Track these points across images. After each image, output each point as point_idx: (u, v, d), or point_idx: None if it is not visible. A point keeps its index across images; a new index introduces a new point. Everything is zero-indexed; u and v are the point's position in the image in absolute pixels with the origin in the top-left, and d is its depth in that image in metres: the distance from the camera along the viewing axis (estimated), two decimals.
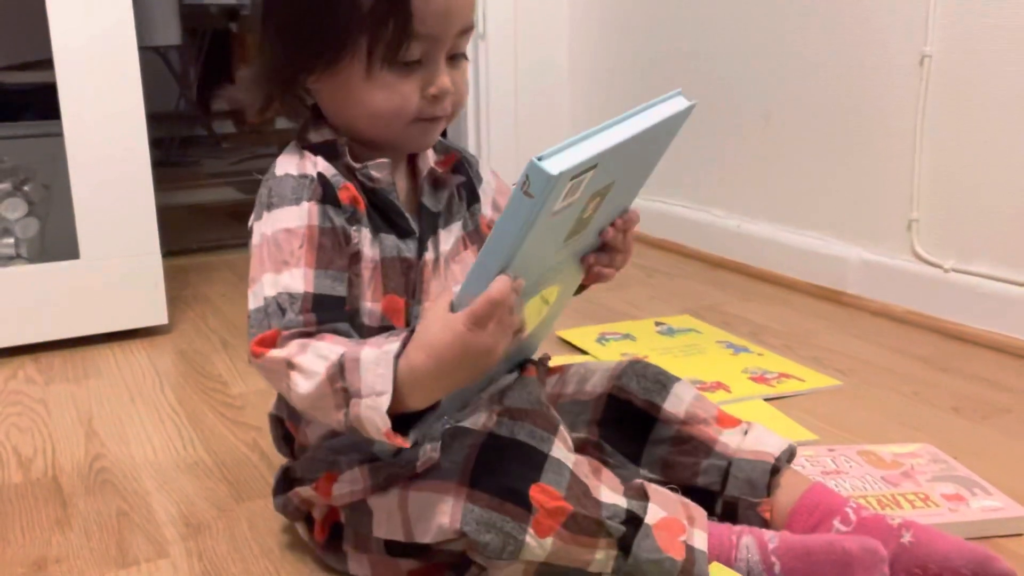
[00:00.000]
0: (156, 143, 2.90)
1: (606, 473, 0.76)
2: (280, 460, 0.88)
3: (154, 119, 1.71)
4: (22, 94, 1.85)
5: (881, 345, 1.40)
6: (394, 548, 0.74)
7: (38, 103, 1.76)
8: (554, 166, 0.58)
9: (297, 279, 0.72)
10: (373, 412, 0.65)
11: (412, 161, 0.84)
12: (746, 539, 0.74)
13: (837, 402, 1.19)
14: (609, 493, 0.72)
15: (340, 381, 0.67)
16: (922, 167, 1.48)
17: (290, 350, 0.70)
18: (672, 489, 0.78)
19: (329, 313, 0.72)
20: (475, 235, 0.87)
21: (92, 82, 1.40)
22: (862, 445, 1.02)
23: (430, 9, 0.72)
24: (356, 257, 0.76)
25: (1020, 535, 0.86)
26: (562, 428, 0.76)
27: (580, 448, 0.86)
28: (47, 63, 1.39)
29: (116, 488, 1.01)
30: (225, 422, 1.18)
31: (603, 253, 0.80)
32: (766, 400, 1.18)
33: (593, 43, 2.22)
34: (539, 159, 0.58)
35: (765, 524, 0.80)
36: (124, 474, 1.04)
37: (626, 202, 0.79)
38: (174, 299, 1.64)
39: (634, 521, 0.71)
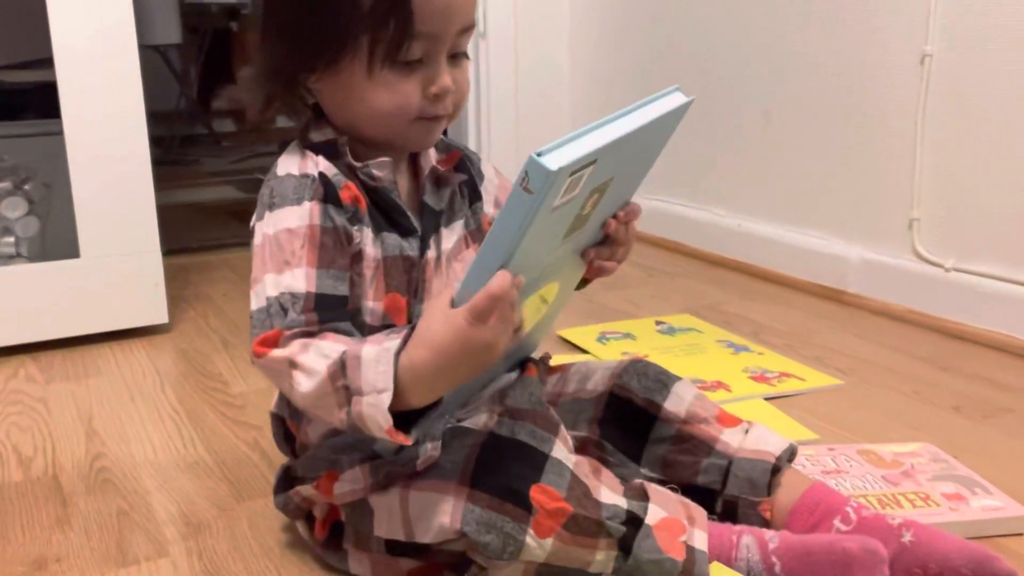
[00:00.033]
0: (156, 142, 2.90)
1: (606, 473, 0.76)
2: (280, 459, 0.88)
3: (154, 118, 1.71)
4: (22, 93, 1.85)
5: (882, 344, 1.40)
6: (394, 547, 0.74)
7: (38, 102, 1.76)
8: (553, 162, 0.58)
9: (299, 279, 0.72)
10: (375, 410, 0.65)
11: (414, 160, 0.84)
12: (746, 539, 0.74)
13: (838, 401, 1.19)
14: (609, 494, 0.72)
15: (341, 379, 0.67)
16: (923, 166, 1.48)
17: (292, 349, 0.70)
18: (672, 489, 0.78)
19: (331, 312, 0.72)
20: (477, 233, 0.87)
21: (92, 81, 1.40)
22: (862, 444, 1.02)
23: (431, 8, 0.72)
24: (358, 256, 0.76)
25: (1021, 534, 0.86)
26: (562, 429, 0.76)
27: (581, 447, 0.86)
28: (47, 62, 1.39)
29: (116, 487, 1.01)
30: (225, 421, 1.18)
31: (604, 246, 0.80)
32: (766, 399, 1.18)
33: (593, 43, 2.22)
34: (538, 155, 0.58)
35: (765, 523, 0.80)
36: (124, 473, 1.04)
37: (626, 196, 0.79)
38: (174, 298, 1.64)
39: (634, 521, 0.71)
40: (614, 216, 0.78)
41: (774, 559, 0.72)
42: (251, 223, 0.77)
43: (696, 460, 0.84)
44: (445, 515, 0.70)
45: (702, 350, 1.37)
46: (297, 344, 0.70)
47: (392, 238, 0.79)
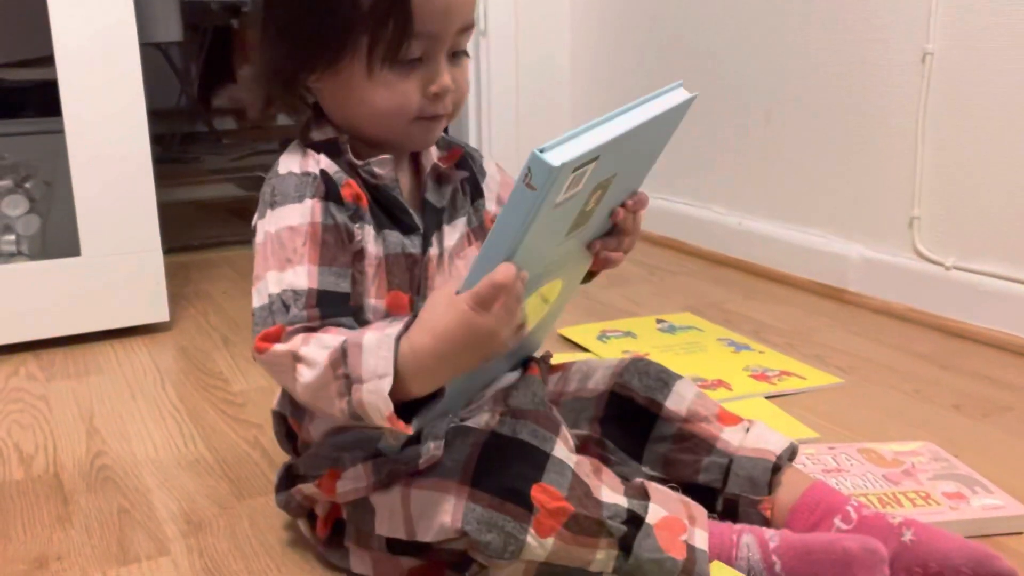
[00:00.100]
0: (157, 139, 2.90)
1: (607, 472, 0.76)
2: (282, 457, 0.88)
3: (155, 115, 1.71)
4: (23, 91, 1.85)
5: (882, 343, 1.40)
6: (395, 546, 0.75)
7: (39, 100, 1.75)
8: (556, 157, 0.58)
9: (301, 276, 0.72)
10: (375, 396, 0.65)
11: (415, 157, 0.84)
12: (747, 538, 0.74)
13: (838, 400, 1.19)
14: (610, 493, 0.72)
15: (342, 367, 0.67)
16: (923, 165, 1.48)
17: (294, 343, 0.70)
18: (673, 487, 0.78)
19: (333, 308, 0.72)
20: (479, 231, 0.87)
21: (93, 79, 1.40)
22: (863, 443, 1.02)
23: (430, 8, 0.72)
24: (360, 254, 0.76)
25: (1021, 533, 0.86)
26: (564, 428, 0.76)
27: (582, 446, 0.86)
28: (48, 60, 1.39)
29: (117, 485, 1.01)
30: (226, 419, 1.18)
31: (611, 237, 0.80)
32: (767, 398, 1.18)
33: (594, 40, 2.22)
34: (541, 151, 0.58)
35: (766, 522, 0.80)
36: (125, 471, 1.04)
37: (632, 188, 0.79)
38: (175, 296, 1.64)
39: (635, 521, 0.71)
40: (622, 205, 0.78)
41: (774, 558, 0.72)
42: (253, 221, 0.78)
43: (697, 459, 0.84)
44: (446, 514, 0.70)
45: (703, 348, 1.37)
46: (299, 338, 0.70)
47: (394, 235, 0.79)
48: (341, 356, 0.67)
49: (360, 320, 0.76)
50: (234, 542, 0.89)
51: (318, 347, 0.69)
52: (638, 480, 0.77)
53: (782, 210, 1.77)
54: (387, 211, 0.79)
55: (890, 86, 1.52)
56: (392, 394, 0.65)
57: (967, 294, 1.42)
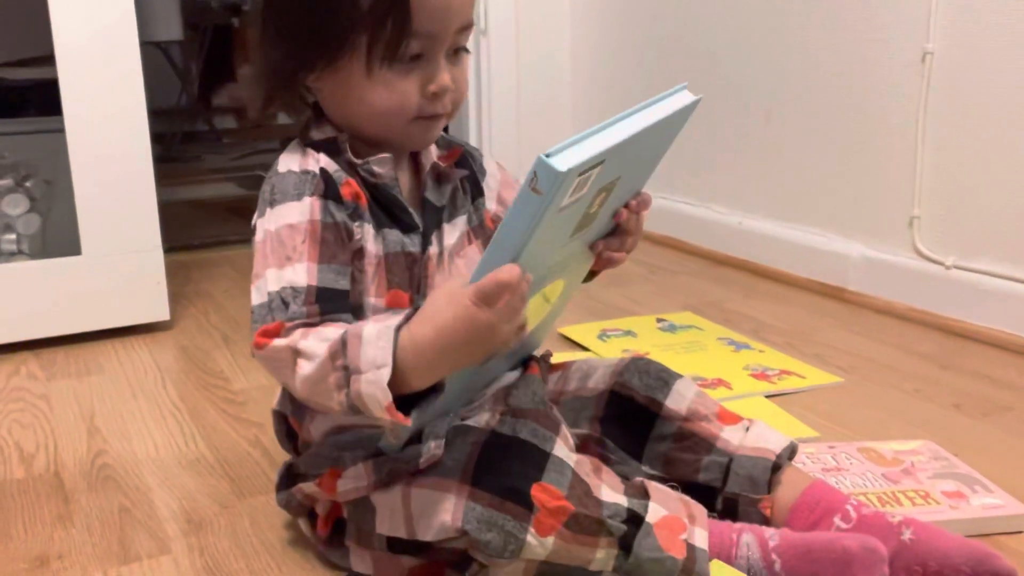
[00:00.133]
0: (158, 138, 2.89)
1: (607, 472, 0.76)
2: (282, 456, 0.88)
3: (156, 114, 1.72)
4: (24, 90, 1.85)
5: (883, 342, 1.40)
6: (396, 545, 0.75)
7: (40, 99, 1.75)
8: (562, 162, 0.58)
9: (300, 273, 0.72)
10: (374, 387, 0.65)
11: (415, 156, 0.84)
12: (746, 537, 0.74)
13: (838, 399, 1.19)
14: (610, 492, 0.72)
15: (341, 358, 0.67)
16: (923, 164, 1.48)
17: (293, 338, 0.70)
18: (672, 486, 0.78)
19: (333, 304, 0.72)
20: (480, 230, 0.87)
21: (94, 78, 1.40)
22: (863, 442, 1.02)
23: (429, 7, 0.72)
24: (359, 253, 0.77)
25: (1020, 532, 0.86)
26: (564, 427, 0.76)
27: (582, 445, 0.86)
28: (49, 59, 1.39)
29: (118, 484, 1.01)
30: (227, 418, 1.18)
31: (613, 238, 0.80)
32: (767, 397, 1.18)
33: (595, 39, 2.22)
34: (547, 155, 0.58)
35: (766, 521, 0.80)
36: (126, 470, 1.05)
37: (635, 189, 0.79)
38: (175, 295, 1.64)
39: (635, 520, 0.71)
40: (625, 206, 0.78)
41: (774, 557, 0.72)
42: (253, 220, 0.78)
43: (697, 458, 0.84)
44: (446, 513, 0.70)
45: (703, 347, 1.37)
46: (298, 332, 0.70)
47: (393, 234, 0.79)
48: (341, 347, 0.67)
49: (360, 319, 0.76)
50: (235, 541, 0.89)
51: (318, 340, 0.69)
52: (638, 479, 0.77)
53: (782, 209, 1.77)
54: (386, 210, 0.79)
55: (890, 85, 1.52)
56: (391, 386, 0.65)
57: (967, 293, 1.42)
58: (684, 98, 0.74)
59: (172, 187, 2.72)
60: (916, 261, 1.51)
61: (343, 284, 0.74)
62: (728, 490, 0.82)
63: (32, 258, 1.53)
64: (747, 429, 0.85)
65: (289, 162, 0.78)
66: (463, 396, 0.79)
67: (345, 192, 0.76)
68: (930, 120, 1.46)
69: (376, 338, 0.66)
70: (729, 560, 0.73)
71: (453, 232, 0.83)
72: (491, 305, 0.63)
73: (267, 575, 0.83)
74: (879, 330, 1.46)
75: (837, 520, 0.77)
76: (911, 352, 1.36)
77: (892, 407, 1.16)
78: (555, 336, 1.43)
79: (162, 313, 1.52)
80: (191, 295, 1.73)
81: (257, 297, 0.73)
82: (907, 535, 0.74)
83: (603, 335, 1.43)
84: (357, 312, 0.76)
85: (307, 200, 0.74)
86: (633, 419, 0.87)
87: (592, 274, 0.86)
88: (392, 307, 0.78)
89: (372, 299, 0.77)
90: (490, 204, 0.88)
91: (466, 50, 0.79)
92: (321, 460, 0.79)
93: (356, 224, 0.76)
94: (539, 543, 0.69)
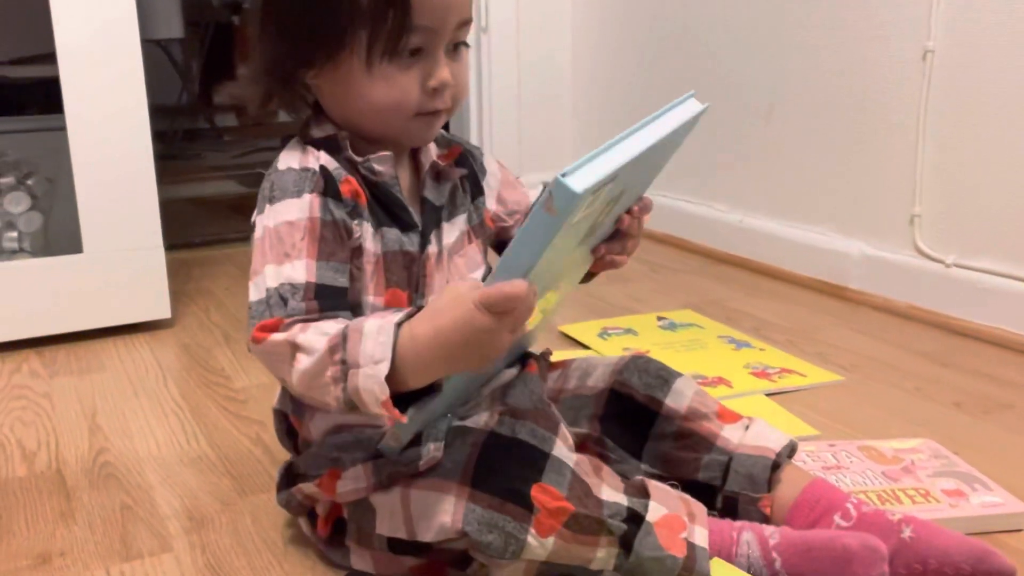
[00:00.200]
0: (158, 136, 2.89)
1: (607, 471, 0.76)
2: (283, 454, 0.88)
3: (157, 112, 1.72)
4: (25, 88, 1.86)
5: (883, 340, 1.40)
6: (396, 545, 0.75)
7: (41, 97, 1.76)
8: (579, 183, 0.58)
9: (299, 270, 0.72)
10: (371, 381, 0.65)
11: (414, 155, 0.84)
12: (747, 535, 0.74)
13: (838, 397, 1.19)
14: (610, 491, 0.72)
15: (340, 352, 0.67)
16: (924, 162, 1.48)
17: (292, 332, 0.70)
18: (672, 485, 0.78)
19: (331, 301, 0.72)
20: (479, 229, 0.87)
21: (95, 76, 1.40)
22: (863, 440, 1.02)
23: (429, 2, 0.72)
24: (358, 251, 0.77)
25: (1020, 531, 0.87)
26: (563, 427, 0.76)
27: (582, 444, 0.86)
28: (50, 57, 1.39)
29: (120, 482, 1.02)
30: (228, 416, 1.18)
31: (615, 241, 0.80)
32: (767, 395, 1.18)
33: (596, 37, 2.22)
34: (563, 176, 0.59)
35: (766, 519, 0.80)
36: (128, 468, 1.05)
37: (638, 195, 0.79)
38: (177, 293, 1.64)
39: (635, 519, 0.71)
40: (628, 211, 0.78)
41: (774, 555, 0.73)
42: (252, 217, 0.78)
43: (697, 456, 0.84)
44: (446, 515, 0.70)
45: (703, 346, 1.37)
46: (297, 327, 0.70)
47: (392, 233, 0.79)
48: (341, 341, 0.67)
49: (358, 317, 0.75)
50: (236, 538, 0.89)
51: (317, 334, 0.69)
52: (638, 478, 0.77)
53: (783, 208, 1.77)
54: (386, 208, 0.79)
55: (891, 84, 1.52)
56: (389, 383, 0.65)
57: (968, 291, 1.42)
58: (692, 107, 0.74)
59: (173, 185, 2.72)
60: (917, 259, 1.51)
61: (342, 281, 0.74)
62: (728, 488, 0.82)
63: (34, 256, 1.53)
64: (747, 427, 0.85)
65: (289, 159, 0.78)
66: (461, 397, 0.79)
67: (344, 190, 0.76)
68: (931, 118, 1.46)
69: (376, 333, 0.66)
70: (729, 558, 0.74)
71: (452, 231, 0.83)
72: (494, 313, 0.63)
73: (269, 573, 0.83)
74: (880, 328, 1.46)
75: (837, 518, 0.77)
76: (912, 350, 1.36)
77: (893, 405, 1.17)
78: (555, 334, 1.43)
79: (163, 311, 1.52)
80: (192, 293, 1.73)
81: (255, 293, 0.73)
82: (907, 533, 0.74)
83: (604, 333, 1.43)
84: (355, 310, 0.76)
85: (306, 197, 0.74)
86: (633, 418, 0.87)
87: (591, 275, 0.86)
88: (391, 306, 0.78)
89: (371, 298, 0.77)
90: (490, 203, 0.88)
91: (466, 45, 0.79)
92: (321, 461, 0.79)
93: (355, 222, 0.76)
94: (539, 544, 0.69)
